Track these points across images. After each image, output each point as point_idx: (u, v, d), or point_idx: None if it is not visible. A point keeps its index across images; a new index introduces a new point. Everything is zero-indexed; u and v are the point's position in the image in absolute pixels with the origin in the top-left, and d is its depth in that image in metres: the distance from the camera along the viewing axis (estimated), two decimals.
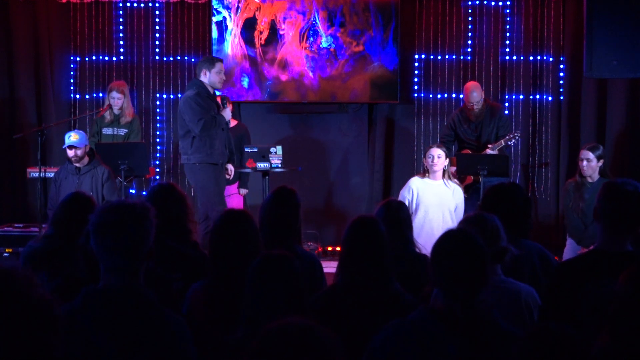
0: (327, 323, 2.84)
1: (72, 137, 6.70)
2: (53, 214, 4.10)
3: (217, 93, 7.22)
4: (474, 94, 7.51)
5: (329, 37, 8.59)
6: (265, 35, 8.62)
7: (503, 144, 7.33)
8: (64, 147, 6.76)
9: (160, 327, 2.48)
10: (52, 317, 1.77)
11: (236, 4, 8.63)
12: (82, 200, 3.97)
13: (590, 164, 6.26)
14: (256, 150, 7.26)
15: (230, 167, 7.11)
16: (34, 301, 1.74)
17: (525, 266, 3.69)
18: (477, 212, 3.46)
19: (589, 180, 6.31)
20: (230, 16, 8.65)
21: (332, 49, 8.59)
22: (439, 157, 6.33)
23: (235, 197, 7.84)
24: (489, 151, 7.21)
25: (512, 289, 3.19)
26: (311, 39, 8.60)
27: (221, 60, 7.07)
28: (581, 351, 2.20)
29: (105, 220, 2.48)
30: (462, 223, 3.32)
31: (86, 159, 6.74)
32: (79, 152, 6.68)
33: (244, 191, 7.86)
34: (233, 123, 7.92)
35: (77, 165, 6.72)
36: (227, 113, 6.94)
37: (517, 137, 7.46)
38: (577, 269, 3.08)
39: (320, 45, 8.60)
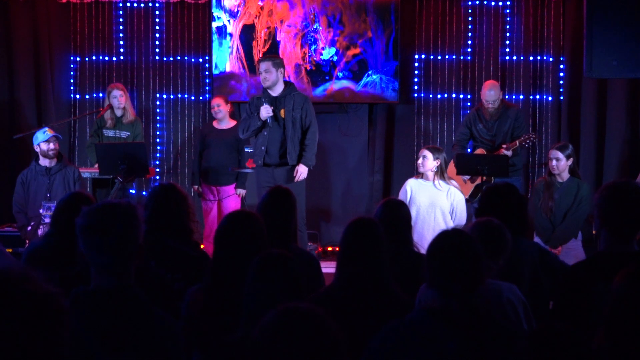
0: None
1: (49, 131, 6.67)
2: (53, 214, 4.10)
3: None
4: (491, 92, 7.40)
5: (331, 49, 8.57)
6: (264, 49, 8.59)
7: (517, 145, 7.27)
8: (38, 142, 6.68)
9: (150, 327, 2.49)
10: (57, 310, 1.76)
11: (236, 9, 8.63)
12: (81, 199, 3.97)
13: (560, 163, 6.25)
14: None
15: (298, 167, 6.80)
16: (35, 297, 1.73)
17: (526, 265, 3.70)
18: (485, 219, 3.41)
19: (559, 179, 6.30)
20: (229, 21, 8.64)
21: (331, 59, 8.57)
22: (424, 158, 6.35)
23: (232, 199, 7.79)
24: (503, 152, 7.17)
25: (494, 289, 3.19)
26: (313, 47, 8.57)
27: (260, 60, 6.95)
28: (585, 350, 2.20)
29: (91, 221, 2.49)
30: (470, 229, 3.32)
31: (55, 159, 6.71)
32: (57, 145, 6.66)
33: (241, 191, 7.81)
34: (232, 123, 7.91)
35: (47, 165, 6.66)
36: (262, 112, 6.69)
37: (532, 139, 7.42)
38: (586, 271, 3.11)
39: (322, 57, 8.58)
